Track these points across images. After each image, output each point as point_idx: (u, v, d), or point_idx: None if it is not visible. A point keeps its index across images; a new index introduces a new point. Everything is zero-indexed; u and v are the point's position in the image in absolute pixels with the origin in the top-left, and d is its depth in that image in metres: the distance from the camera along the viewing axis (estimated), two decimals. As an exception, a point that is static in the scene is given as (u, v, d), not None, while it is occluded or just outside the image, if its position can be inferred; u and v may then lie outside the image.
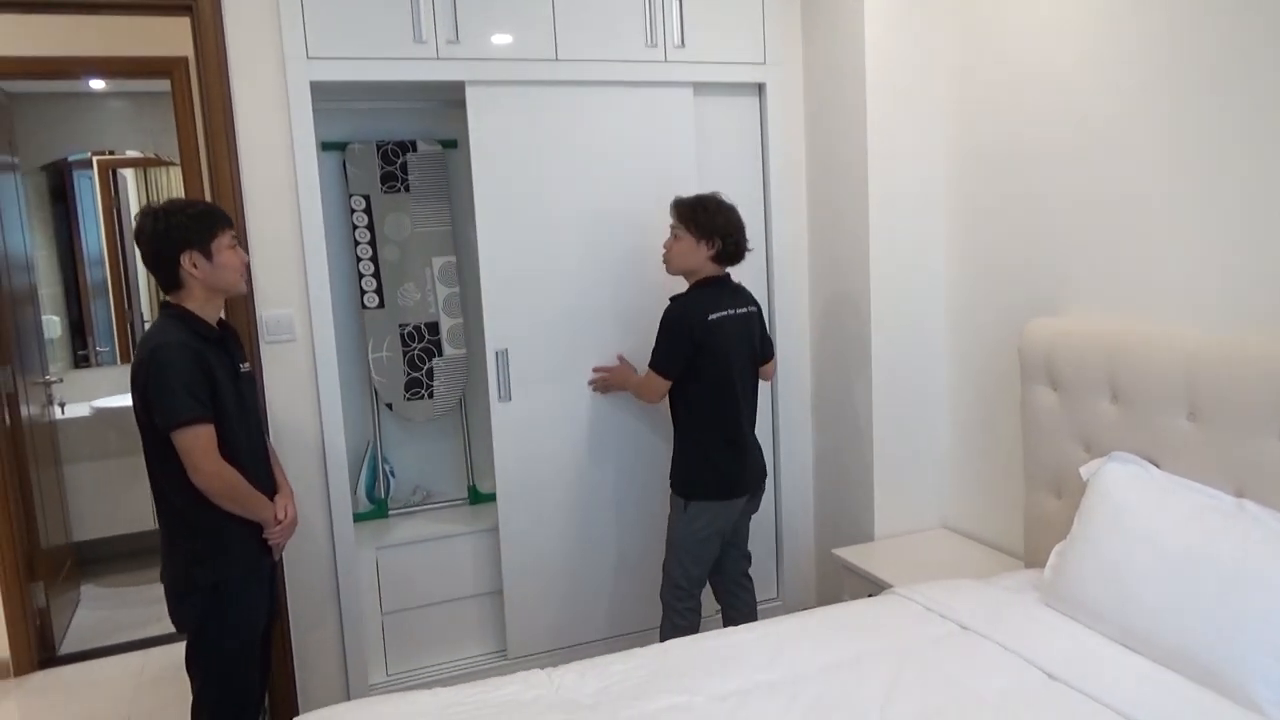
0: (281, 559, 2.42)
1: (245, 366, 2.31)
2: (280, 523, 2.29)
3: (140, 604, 4.17)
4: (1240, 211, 2.08)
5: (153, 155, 4.78)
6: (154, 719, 3.14)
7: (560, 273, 3.04)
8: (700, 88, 3.17)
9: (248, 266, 2.33)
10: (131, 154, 4.78)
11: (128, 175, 4.82)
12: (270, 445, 2.47)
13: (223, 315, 2.29)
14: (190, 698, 2.26)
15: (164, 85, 3.77)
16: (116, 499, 4.53)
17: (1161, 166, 2.25)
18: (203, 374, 2.08)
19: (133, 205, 4.85)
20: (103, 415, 4.49)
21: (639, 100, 3.07)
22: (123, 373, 4.78)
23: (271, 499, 2.29)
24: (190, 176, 3.71)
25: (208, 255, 2.14)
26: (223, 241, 2.18)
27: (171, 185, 4.76)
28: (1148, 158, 2.29)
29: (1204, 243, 2.17)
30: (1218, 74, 2.10)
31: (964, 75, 2.90)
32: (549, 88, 2.95)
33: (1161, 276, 2.28)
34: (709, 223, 2.67)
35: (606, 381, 3.10)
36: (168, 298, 2.20)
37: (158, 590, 4.19)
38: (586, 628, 3.21)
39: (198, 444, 2.06)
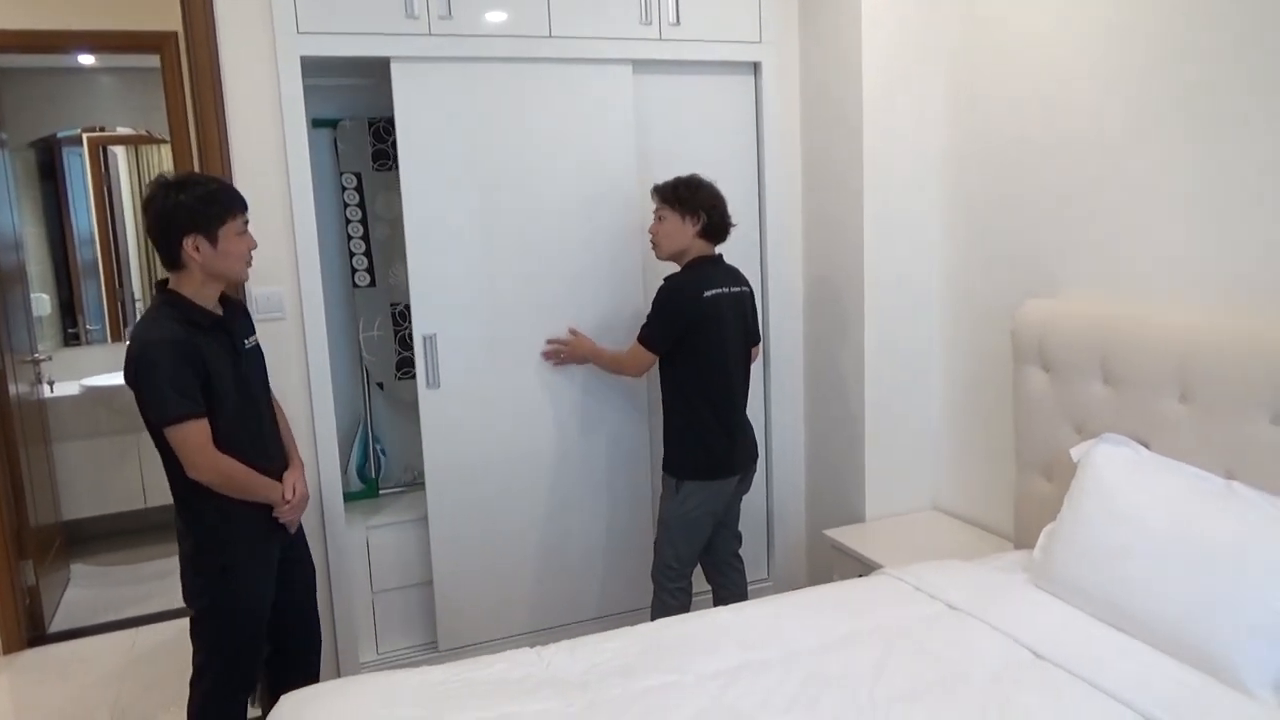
0: (301, 527, 2.43)
1: (250, 342, 2.28)
2: (289, 501, 2.28)
3: (130, 582, 4.16)
4: (1234, 195, 2.07)
5: (144, 132, 4.74)
6: (144, 696, 3.14)
7: (493, 259, 2.96)
8: (694, 66, 3.15)
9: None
10: (122, 131, 4.74)
11: (118, 153, 4.79)
12: (283, 418, 2.46)
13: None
14: (187, 670, 2.27)
15: (154, 61, 3.74)
16: (106, 477, 4.52)
17: (1158, 150, 2.24)
18: (191, 369, 2.04)
19: (124, 183, 4.82)
20: (93, 393, 4.47)
21: (581, 79, 2.98)
22: (113, 351, 4.76)
23: (281, 475, 2.30)
24: (180, 154, 3.69)
25: (213, 241, 2.09)
26: (232, 227, 2.12)
27: (163, 163, 4.72)
28: (1144, 141, 2.28)
29: (1199, 226, 2.16)
30: (1212, 59, 2.09)
31: (962, 55, 2.89)
32: (484, 64, 2.87)
33: (1156, 259, 2.28)
34: (691, 198, 2.68)
35: (565, 355, 3.04)
36: (166, 277, 2.16)
37: (148, 569, 4.28)
38: (514, 618, 3.14)
39: (189, 441, 2.05)
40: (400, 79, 2.79)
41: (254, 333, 2.33)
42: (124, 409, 4.50)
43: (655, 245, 2.77)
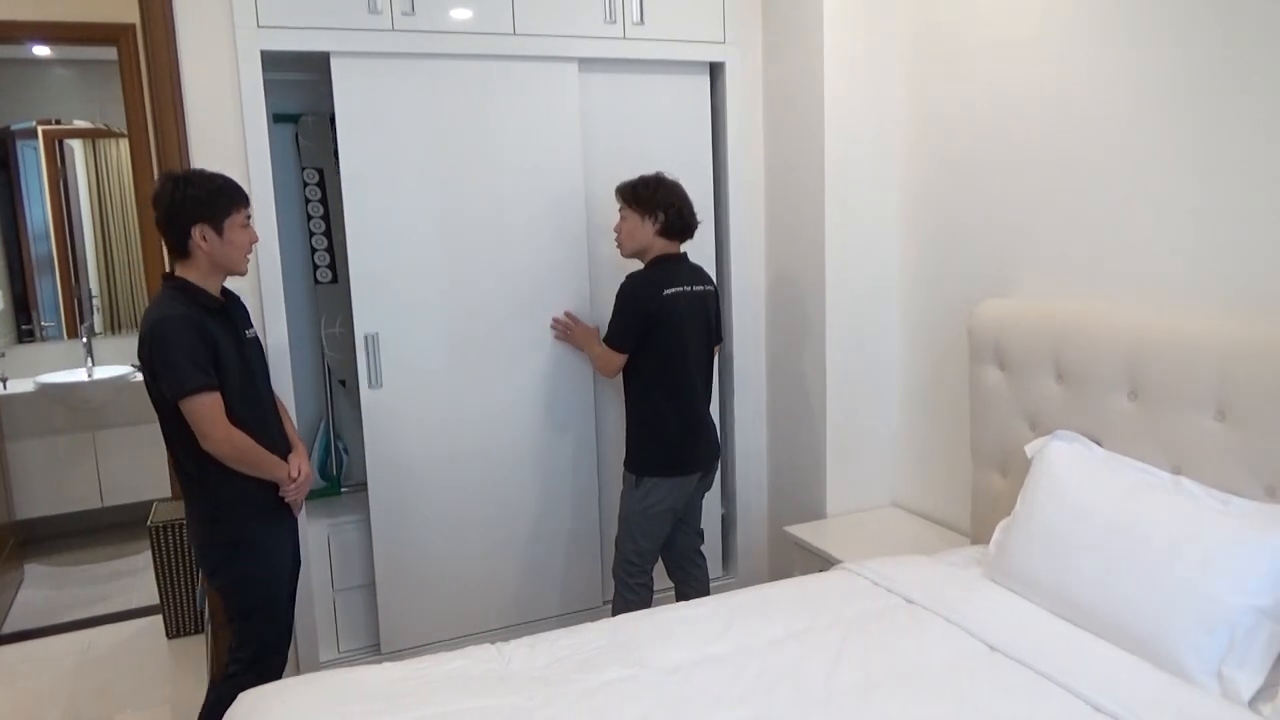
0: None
1: (251, 333, 2.36)
2: (294, 480, 2.34)
3: (85, 583, 4.10)
4: (1181, 197, 2.12)
5: (102, 126, 4.67)
6: (98, 698, 3.10)
7: (437, 258, 2.93)
8: (656, 65, 3.17)
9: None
10: (79, 124, 4.67)
11: (75, 146, 4.71)
12: (281, 405, 2.52)
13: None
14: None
15: (111, 53, 3.69)
16: (62, 477, 4.44)
17: (1115, 150, 2.29)
18: (204, 343, 2.12)
19: (81, 178, 4.74)
20: (48, 391, 4.39)
21: (537, 77, 2.98)
22: (69, 348, 4.69)
23: (285, 458, 2.35)
24: (138, 148, 3.65)
25: (219, 231, 2.18)
26: (237, 219, 2.22)
27: (122, 158, 4.65)
28: (1102, 142, 2.33)
29: (1147, 227, 2.21)
30: (1163, 62, 2.14)
31: (920, 59, 2.93)
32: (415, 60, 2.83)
33: (1111, 259, 2.33)
34: (650, 198, 2.70)
35: (569, 337, 3.07)
36: (171, 268, 2.24)
37: (104, 569, 4.22)
38: (463, 620, 3.10)
39: (204, 411, 2.11)
40: (341, 75, 2.74)
41: (252, 325, 2.39)
42: (80, 406, 4.44)
43: (619, 245, 2.79)
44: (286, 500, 2.35)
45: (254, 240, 2.30)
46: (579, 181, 3.07)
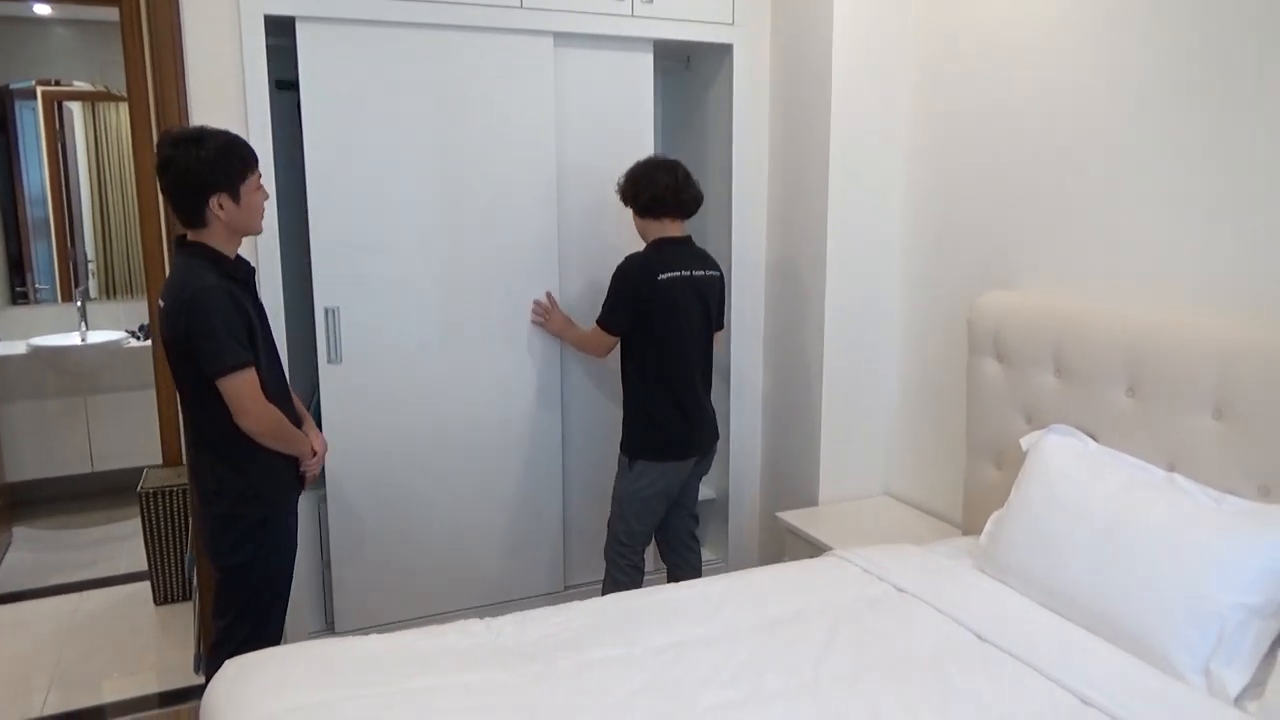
0: None
1: (260, 301, 2.31)
2: (315, 454, 2.33)
3: (75, 547, 4.09)
4: (1187, 195, 2.12)
5: (102, 89, 4.62)
6: (86, 662, 3.09)
7: (402, 232, 2.87)
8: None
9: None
10: (79, 86, 4.62)
11: (75, 108, 4.66)
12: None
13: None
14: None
15: (113, 14, 3.65)
16: (52, 440, 4.43)
17: (1119, 147, 2.28)
18: (240, 317, 2.08)
19: (80, 140, 4.70)
20: (41, 354, 4.37)
21: (524, 51, 2.92)
22: (63, 311, 4.66)
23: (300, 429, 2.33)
24: (139, 112, 3.61)
25: (235, 198, 2.11)
26: (252, 182, 2.15)
27: (122, 121, 4.61)
28: (1106, 138, 2.32)
29: (1151, 224, 2.21)
30: (1177, 61, 2.13)
31: (931, 47, 2.90)
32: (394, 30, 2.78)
33: (1113, 256, 2.32)
34: (625, 187, 2.75)
35: (545, 324, 3.04)
36: (186, 233, 2.15)
37: (93, 534, 4.21)
38: (420, 600, 3.07)
39: (244, 388, 2.07)
40: (306, 40, 2.68)
41: (258, 292, 2.34)
42: (72, 370, 4.42)
43: None
44: (306, 475, 2.34)
45: (266, 198, 2.24)
46: (551, 159, 3.02)
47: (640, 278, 2.66)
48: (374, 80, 2.78)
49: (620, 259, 2.75)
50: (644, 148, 3.14)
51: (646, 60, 3.15)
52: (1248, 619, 1.73)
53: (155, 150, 2.13)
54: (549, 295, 3.05)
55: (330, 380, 2.86)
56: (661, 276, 2.66)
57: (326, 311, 2.82)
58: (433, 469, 3.03)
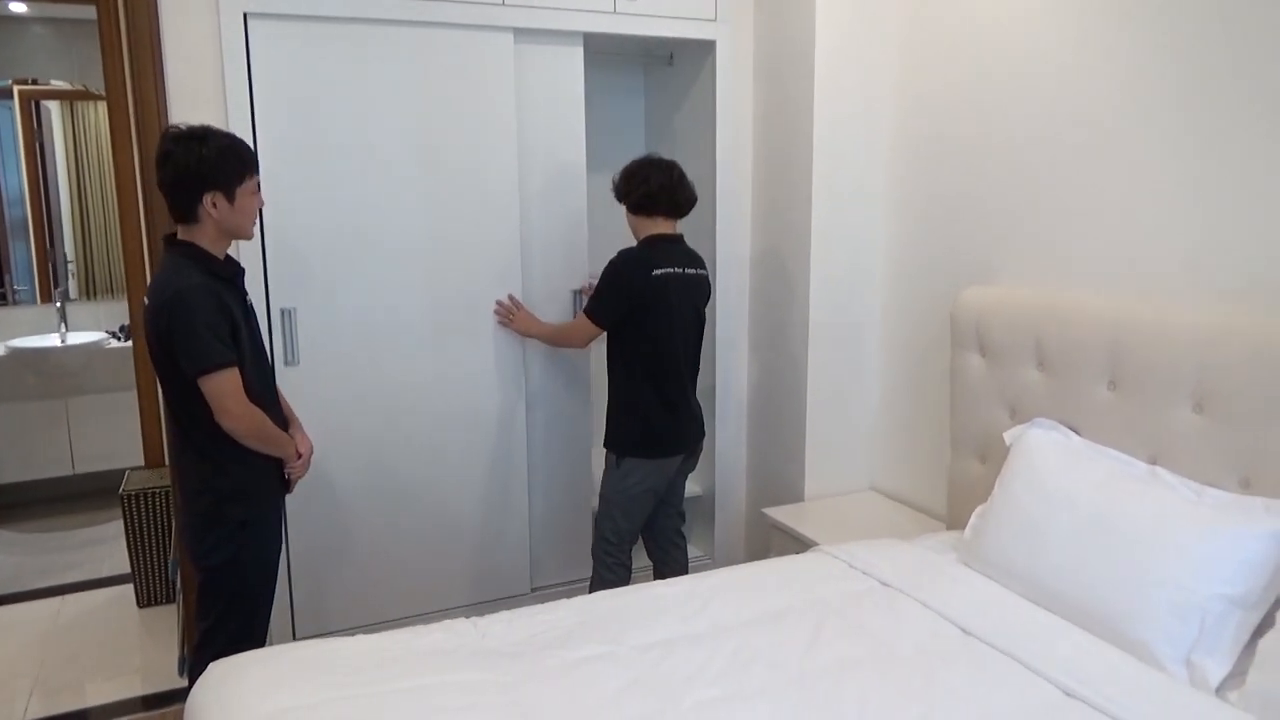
0: None
1: (249, 300, 2.28)
2: (300, 457, 2.32)
3: (56, 550, 4.06)
4: (1164, 190, 2.13)
5: (80, 88, 4.58)
6: (68, 665, 3.07)
7: (361, 234, 2.81)
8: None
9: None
10: (57, 85, 4.57)
11: (52, 108, 4.62)
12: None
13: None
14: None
15: (91, 12, 3.61)
16: (33, 443, 4.39)
17: (1102, 140, 2.30)
18: (224, 316, 2.06)
19: (58, 141, 4.65)
20: (19, 356, 4.33)
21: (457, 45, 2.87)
22: (42, 313, 4.61)
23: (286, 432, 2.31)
24: (117, 111, 3.57)
25: (230, 198, 2.09)
26: (248, 186, 2.14)
27: (100, 121, 4.57)
28: (1089, 131, 2.33)
29: (1130, 218, 2.22)
30: (1161, 51, 2.14)
31: (910, 44, 2.92)
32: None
33: (1095, 248, 2.34)
34: (618, 185, 2.76)
35: (510, 323, 3.00)
36: (175, 231, 2.14)
37: (75, 536, 4.18)
38: (379, 606, 3.02)
39: (225, 388, 2.05)
40: (259, 37, 2.62)
41: (248, 293, 2.31)
42: (52, 371, 4.38)
43: None
44: (290, 477, 2.32)
45: (261, 206, 2.23)
46: (513, 157, 2.98)
47: (632, 272, 2.66)
48: (327, 78, 2.73)
49: (592, 256, 2.73)
50: (577, 141, 3.09)
51: (576, 53, 3.07)
52: (1228, 610, 1.75)
53: (158, 143, 2.10)
54: (510, 296, 3.02)
55: (287, 383, 2.73)
56: (656, 272, 2.66)
57: (283, 313, 2.77)
58: (392, 472, 2.97)
